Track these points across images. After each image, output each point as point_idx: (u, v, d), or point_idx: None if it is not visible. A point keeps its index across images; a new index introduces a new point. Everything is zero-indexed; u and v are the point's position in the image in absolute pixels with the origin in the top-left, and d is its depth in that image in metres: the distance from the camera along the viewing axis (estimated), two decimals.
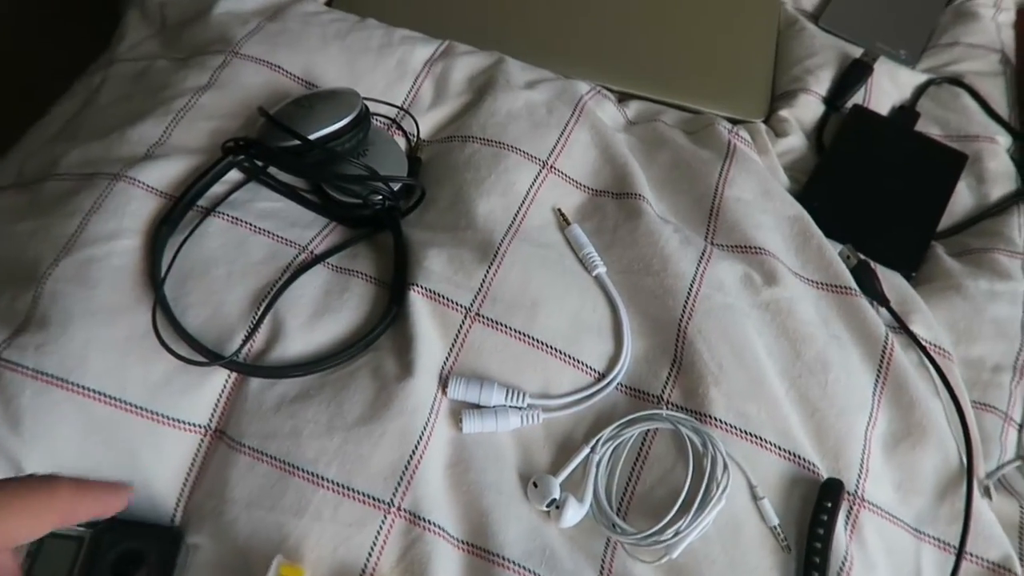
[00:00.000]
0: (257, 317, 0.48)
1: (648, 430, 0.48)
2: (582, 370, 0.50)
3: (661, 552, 0.44)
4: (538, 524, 0.46)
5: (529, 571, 0.43)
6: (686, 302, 0.51)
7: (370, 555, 0.43)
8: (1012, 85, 0.74)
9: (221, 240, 0.51)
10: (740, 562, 0.44)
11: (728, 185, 0.58)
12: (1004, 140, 0.69)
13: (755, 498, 0.46)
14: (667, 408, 0.48)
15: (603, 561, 0.45)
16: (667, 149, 0.62)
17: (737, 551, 0.44)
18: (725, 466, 0.45)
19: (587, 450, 0.47)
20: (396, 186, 0.55)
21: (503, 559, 0.43)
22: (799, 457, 0.47)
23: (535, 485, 0.46)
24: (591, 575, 0.44)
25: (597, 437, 0.47)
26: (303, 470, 0.45)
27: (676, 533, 0.44)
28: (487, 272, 0.51)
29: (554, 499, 0.45)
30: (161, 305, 0.47)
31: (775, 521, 0.45)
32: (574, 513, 0.45)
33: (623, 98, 0.69)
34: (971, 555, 0.47)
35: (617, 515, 0.46)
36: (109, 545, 0.42)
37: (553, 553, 0.44)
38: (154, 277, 0.48)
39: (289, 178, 0.56)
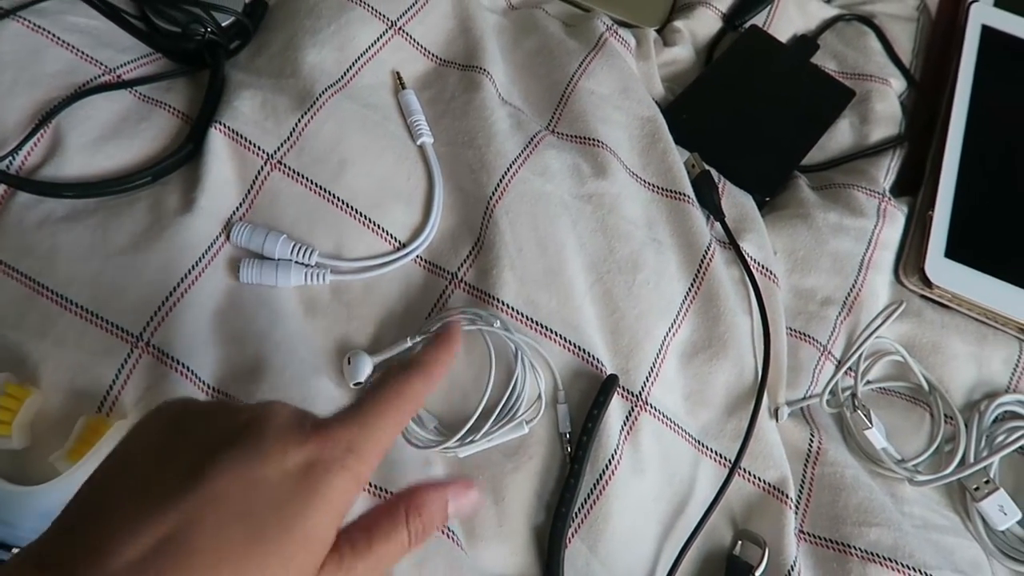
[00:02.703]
0: (34, 127, 0.45)
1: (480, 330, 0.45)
2: (382, 236, 0.47)
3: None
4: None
5: None
6: (501, 180, 0.48)
7: (111, 387, 0.41)
8: (923, 33, 0.71)
9: (14, 45, 0.47)
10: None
11: (586, 76, 0.55)
12: (898, 84, 0.66)
13: (556, 402, 0.44)
14: (459, 287, 0.46)
15: None
16: (536, 36, 0.58)
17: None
18: (539, 398, 0.44)
19: (409, 343, 0.44)
20: (225, 22, 0.51)
21: None
22: (583, 351, 0.45)
23: (349, 362, 0.44)
24: None
25: (423, 334, 0.44)
26: (52, 292, 0.42)
27: (461, 443, 0.42)
28: (299, 121, 0.48)
29: (359, 383, 0.43)
30: None
31: (567, 428, 0.44)
32: None
33: None
34: (747, 472, 0.46)
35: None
36: None
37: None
38: None
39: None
